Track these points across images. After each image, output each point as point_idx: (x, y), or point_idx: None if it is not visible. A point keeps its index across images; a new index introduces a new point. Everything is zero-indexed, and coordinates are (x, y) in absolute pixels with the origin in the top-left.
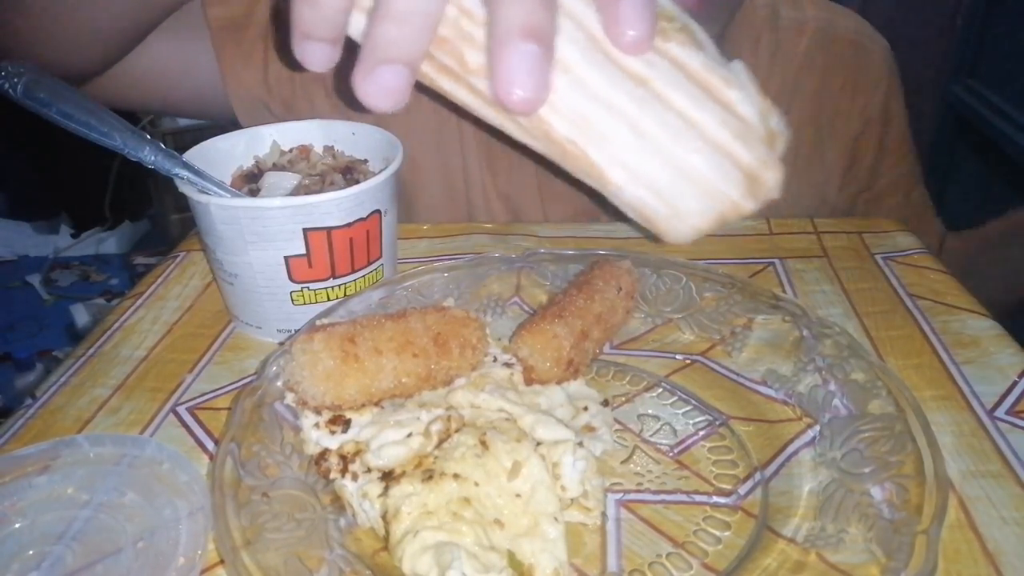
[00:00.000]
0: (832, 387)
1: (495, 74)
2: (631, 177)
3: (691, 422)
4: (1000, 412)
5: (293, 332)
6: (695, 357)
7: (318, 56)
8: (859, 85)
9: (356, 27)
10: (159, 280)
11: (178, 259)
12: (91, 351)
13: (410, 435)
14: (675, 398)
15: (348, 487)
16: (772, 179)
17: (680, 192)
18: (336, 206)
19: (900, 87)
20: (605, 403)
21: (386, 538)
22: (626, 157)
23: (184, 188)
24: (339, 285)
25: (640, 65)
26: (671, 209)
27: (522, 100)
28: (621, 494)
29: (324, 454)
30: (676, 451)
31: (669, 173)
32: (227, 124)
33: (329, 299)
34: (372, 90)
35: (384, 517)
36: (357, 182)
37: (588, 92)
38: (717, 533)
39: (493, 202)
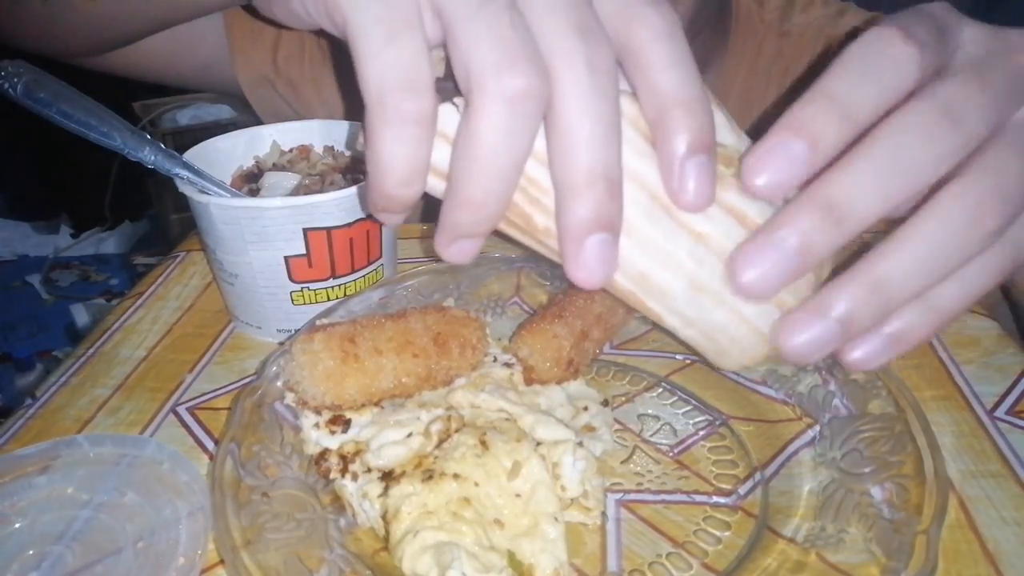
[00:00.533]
0: (832, 387)
1: (567, 259)
2: (686, 323)
3: (691, 422)
4: (1000, 412)
5: (293, 332)
6: (695, 357)
7: (468, 251)
8: None
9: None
10: (159, 280)
11: (178, 259)
12: (91, 351)
13: (410, 435)
14: (675, 398)
15: (348, 487)
16: None
17: (731, 336)
18: (336, 206)
19: None
20: (605, 403)
21: (386, 538)
22: (682, 308)
23: (184, 188)
24: (339, 285)
25: (699, 220)
26: (721, 348)
27: (591, 281)
28: (621, 494)
29: (324, 454)
30: (676, 451)
31: (722, 321)
32: (232, 97)
33: (329, 299)
34: (452, 253)
35: (384, 517)
36: (357, 182)
37: (648, 251)
38: (717, 533)
39: None
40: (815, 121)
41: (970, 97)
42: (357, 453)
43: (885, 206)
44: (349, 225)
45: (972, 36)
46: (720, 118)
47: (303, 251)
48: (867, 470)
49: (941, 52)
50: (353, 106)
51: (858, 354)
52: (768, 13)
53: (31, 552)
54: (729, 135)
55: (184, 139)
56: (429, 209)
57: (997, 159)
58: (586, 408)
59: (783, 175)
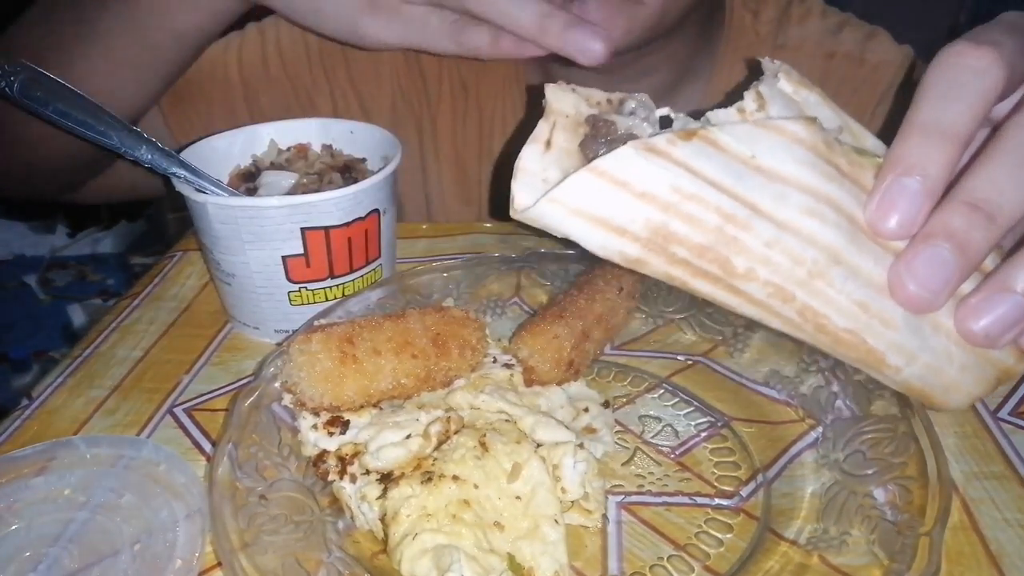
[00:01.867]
0: (835, 388)
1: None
2: (909, 359)
3: (693, 423)
4: (1004, 413)
5: (291, 332)
6: (697, 358)
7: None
8: (862, 103)
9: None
10: (156, 280)
11: (175, 259)
12: (88, 352)
13: (409, 436)
14: (676, 399)
15: (346, 489)
16: None
17: (959, 364)
18: (334, 205)
19: None
20: (606, 404)
21: (385, 540)
22: (904, 340)
23: (181, 187)
24: (337, 285)
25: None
26: (948, 382)
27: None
28: (622, 496)
29: (322, 456)
30: (677, 453)
31: (945, 348)
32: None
33: (327, 299)
34: None
35: (383, 519)
36: (355, 181)
37: (863, 279)
38: (719, 535)
39: None
40: (914, 155)
41: None
42: (356, 455)
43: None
44: (347, 224)
45: None
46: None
47: (301, 251)
48: (870, 472)
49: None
50: None
51: None
52: (763, 25)
53: (28, 554)
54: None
55: None
56: (430, 208)
57: None
58: (587, 409)
59: (907, 214)
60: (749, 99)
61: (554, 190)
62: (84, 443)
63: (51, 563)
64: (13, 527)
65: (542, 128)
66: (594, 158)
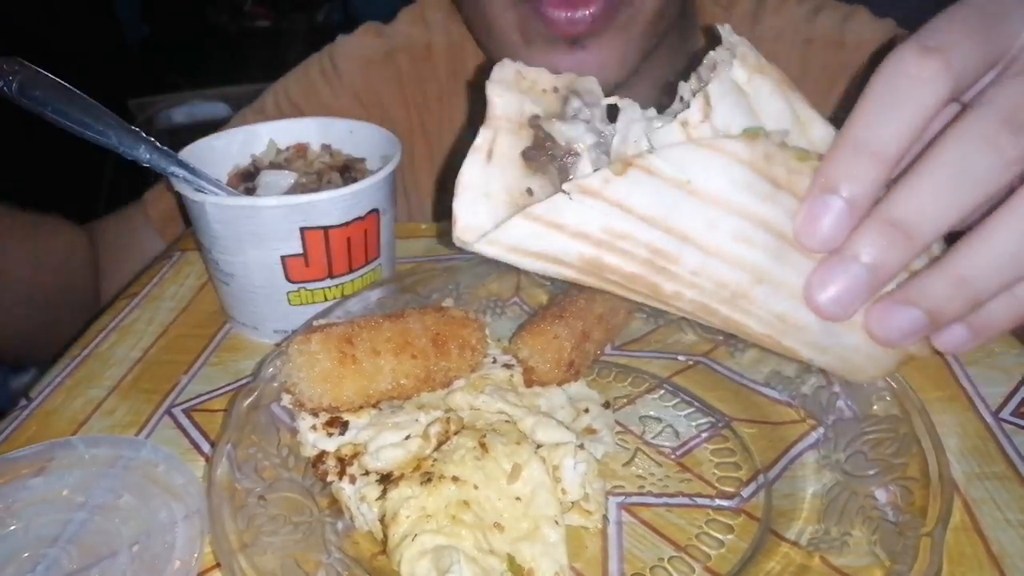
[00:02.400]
0: (836, 389)
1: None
2: (820, 351)
3: (693, 424)
4: (1005, 413)
5: (290, 333)
6: (698, 358)
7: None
8: (838, 87)
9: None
10: (155, 280)
11: (173, 259)
12: (86, 352)
13: (408, 437)
14: (677, 400)
15: (346, 490)
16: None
17: (865, 353)
18: (333, 205)
19: None
20: (606, 405)
21: (384, 542)
22: (817, 339)
23: (179, 187)
24: (336, 285)
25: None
26: (855, 366)
27: (830, 315)
28: (622, 497)
29: (321, 456)
30: (678, 453)
31: (855, 342)
32: (228, 95)
33: (326, 299)
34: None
35: (382, 520)
36: (355, 181)
37: (783, 294)
38: (720, 536)
39: None
40: (841, 172)
41: None
42: (355, 455)
43: (950, 216)
44: (346, 224)
45: None
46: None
47: (300, 250)
48: (871, 472)
49: (987, 46)
50: None
51: (945, 341)
52: (736, 20)
53: (26, 555)
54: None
55: (180, 137)
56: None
57: None
58: (587, 410)
59: (828, 230)
60: (695, 107)
61: (492, 232)
62: (83, 444)
63: (50, 564)
64: (11, 528)
65: (483, 137)
66: (537, 170)
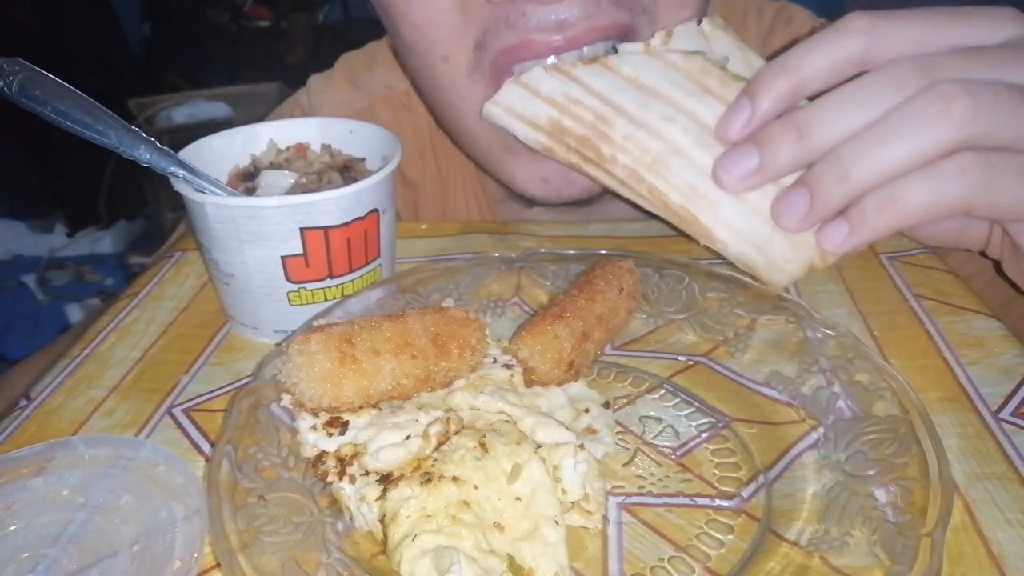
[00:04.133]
0: (836, 389)
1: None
2: (735, 236)
3: (693, 424)
4: (1005, 413)
5: (290, 333)
6: (698, 358)
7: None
8: None
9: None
10: (155, 280)
11: (173, 259)
12: (86, 352)
13: (408, 437)
14: (677, 400)
15: (346, 490)
16: None
17: (776, 246)
18: (334, 205)
19: None
20: (606, 405)
21: (384, 542)
22: (730, 219)
23: (179, 187)
24: (337, 285)
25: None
26: (769, 260)
27: (725, 184)
28: (623, 497)
29: (321, 456)
30: (678, 453)
31: (767, 230)
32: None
33: (326, 299)
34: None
35: (382, 520)
36: (355, 181)
37: (697, 169)
38: (720, 536)
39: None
40: (760, 85)
41: (952, 63)
42: (355, 456)
43: (844, 125)
44: (347, 224)
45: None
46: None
47: (300, 251)
48: (871, 472)
49: (921, 36)
50: None
51: (826, 235)
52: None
53: (26, 555)
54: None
55: (180, 137)
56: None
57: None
58: (587, 410)
59: (737, 125)
60: (657, 37)
61: (495, 95)
62: (83, 444)
63: (50, 564)
64: (12, 528)
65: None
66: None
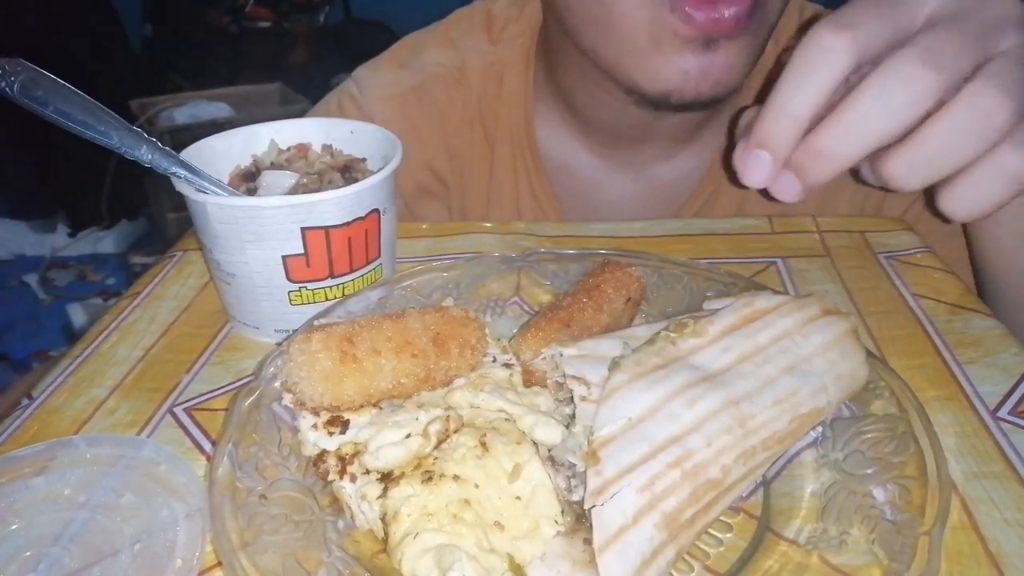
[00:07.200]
0: None
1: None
2: (823, 392)
3: None
4: (1003, 412)
5: (291, 332)
6: None
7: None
8: None
9: None
10: (156, 280)
11: (175, 259)
12: (88, 351)
13: (409, 436)
14: None
15: (347, 489)
16: None
17: (838, 361)
18: (334, 205)
19: None
20: None
21: (385, 540)
22: (804, 395)
23: (181, 187)
24: (337, 285)
25: None
26: (850, 377)
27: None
28: None
29: (322, 455)
30: None
31: (822, 366)
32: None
33: (327, 299)
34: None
35: (383, 519)
36: (356, 181)
37: (760, 403)
38: (718, 535)
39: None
40: (766, 132)
41: (948, 40)
42: (356, 454)
43: (868, 141)
44: (347, 224)
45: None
46: None
47: (301, 250)
48: (869, 471)
49: (891, 22)
50: None
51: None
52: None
53: (28, 554)
54: None
55: (181, 137)
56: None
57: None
58: None
59: (764, 175)
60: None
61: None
62: (84, 443)
63: (51, 563)
64: (13, 527)
65: None
66: None
